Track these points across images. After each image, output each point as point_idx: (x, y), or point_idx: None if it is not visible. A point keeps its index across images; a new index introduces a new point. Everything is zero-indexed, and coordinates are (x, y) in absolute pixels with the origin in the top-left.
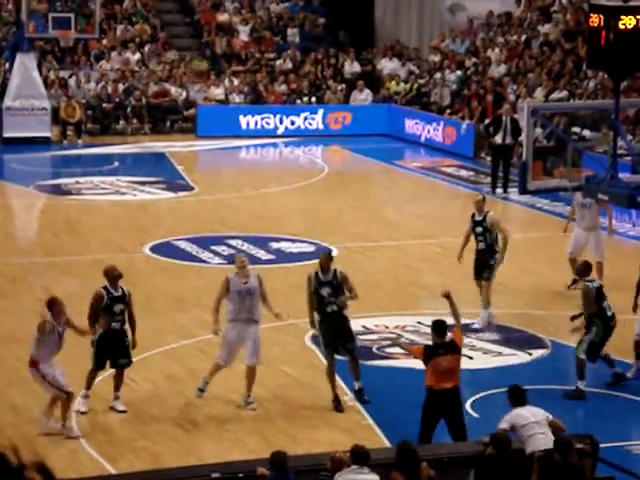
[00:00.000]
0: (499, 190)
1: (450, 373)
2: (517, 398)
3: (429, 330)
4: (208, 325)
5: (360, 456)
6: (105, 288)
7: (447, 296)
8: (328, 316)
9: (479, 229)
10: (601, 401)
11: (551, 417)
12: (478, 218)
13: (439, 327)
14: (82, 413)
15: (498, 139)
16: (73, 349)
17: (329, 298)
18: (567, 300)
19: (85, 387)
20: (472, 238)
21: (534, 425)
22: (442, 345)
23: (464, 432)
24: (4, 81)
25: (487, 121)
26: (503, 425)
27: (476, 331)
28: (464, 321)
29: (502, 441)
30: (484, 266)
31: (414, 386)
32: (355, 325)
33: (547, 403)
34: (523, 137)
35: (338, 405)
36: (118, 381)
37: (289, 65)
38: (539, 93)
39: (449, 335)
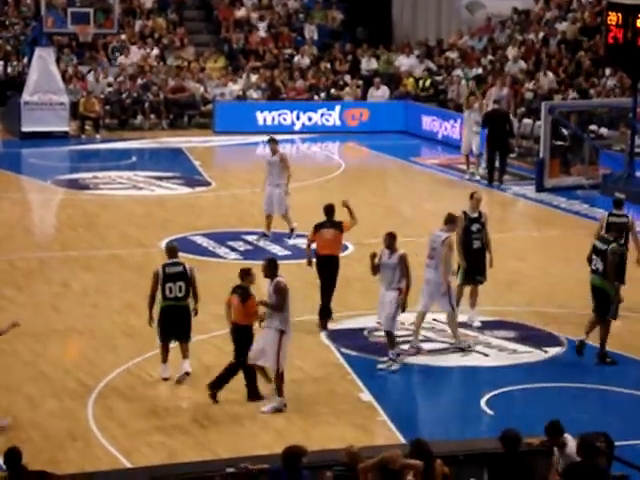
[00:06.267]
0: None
1: (331, 243)
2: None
3: (445, 327)
4: (223, 320)
5: None
6: None
7: (347, 206)
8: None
9: (476, 226)
10: (616, 399)
11: None
12: (474, 215)
13: (328, 210)
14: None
15: None
16: None
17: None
18: (583, 298)
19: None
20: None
21: None
22: (328, 222)
23: (331, 296)
24: (23, 75)
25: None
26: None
27: (492, 329)
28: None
29: (511, 438)
30: (479, 268)
31: (429, 383)
32: (371, 322)
33: (562, 401)
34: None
35: None
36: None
37: (307, 61)
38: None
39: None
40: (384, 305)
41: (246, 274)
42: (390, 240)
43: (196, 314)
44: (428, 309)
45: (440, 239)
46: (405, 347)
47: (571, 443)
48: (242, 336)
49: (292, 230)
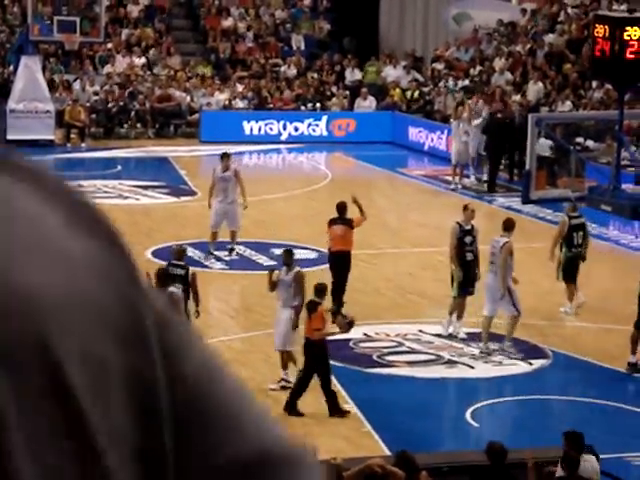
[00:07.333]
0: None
1: (341, 239)
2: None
3: (430, 338)
4: (209, 330)
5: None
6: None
7: (356, 202)
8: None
9: (469, 239)
10: (601, 412)
11: None
12: (467, 227)
13: (340, 207)
14: None
15: None
16: None
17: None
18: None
19: None
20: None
21: None
22: (340, 218)
23: (343, 290)
24: (8, 84)
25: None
26: None
27: (478, 340)
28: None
29: (497, 452)
30: (471, 280)
31: (414, 394)
32: (356, 332)
33: (547, 413)
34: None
35: None
36: None
37: (293, 71)
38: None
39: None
40: (279, 323)
41: (320, 291)
42: (287, 257)
43: (198, 316)
44: (493, 314)
45: (499, 244)
46: (397, 358)
47: (586, 464)
48: (312, 351)
49: (232, 250)
